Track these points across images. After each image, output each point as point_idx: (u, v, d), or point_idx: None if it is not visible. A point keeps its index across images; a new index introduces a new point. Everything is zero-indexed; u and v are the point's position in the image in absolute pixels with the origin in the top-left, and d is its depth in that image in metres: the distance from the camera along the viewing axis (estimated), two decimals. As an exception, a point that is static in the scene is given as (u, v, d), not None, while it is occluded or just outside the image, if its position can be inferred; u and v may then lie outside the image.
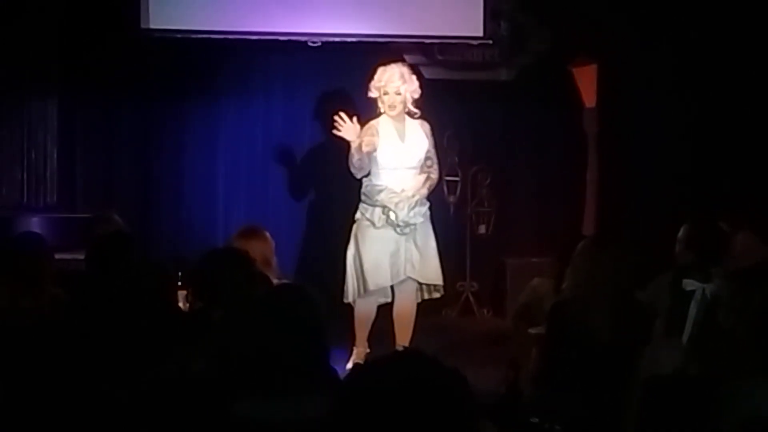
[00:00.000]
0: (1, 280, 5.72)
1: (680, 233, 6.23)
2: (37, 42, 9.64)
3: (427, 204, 8.22)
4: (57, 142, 9.93)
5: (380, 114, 8.18)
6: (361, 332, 8.09)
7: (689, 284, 4.68)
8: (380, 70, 8.21)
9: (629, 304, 5.18)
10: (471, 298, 10.17)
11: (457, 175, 10.24)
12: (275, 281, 5.59)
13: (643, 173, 10.12)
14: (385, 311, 8.27)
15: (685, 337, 4.60)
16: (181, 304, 5.41)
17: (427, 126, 8.25)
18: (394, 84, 8.11)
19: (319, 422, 3.17)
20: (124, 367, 4.01)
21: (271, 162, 10.28)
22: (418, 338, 8.31)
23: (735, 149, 9.90)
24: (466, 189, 10.26)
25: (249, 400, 3.31)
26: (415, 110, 8.19)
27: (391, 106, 8.09)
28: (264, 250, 6.07)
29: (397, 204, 7.99)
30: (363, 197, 8.15)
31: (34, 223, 8.84)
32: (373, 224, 8.03)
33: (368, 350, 8.08)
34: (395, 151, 8.08)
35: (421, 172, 8.17)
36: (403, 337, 8.03)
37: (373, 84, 8.18)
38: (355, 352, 8.08)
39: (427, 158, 8.19)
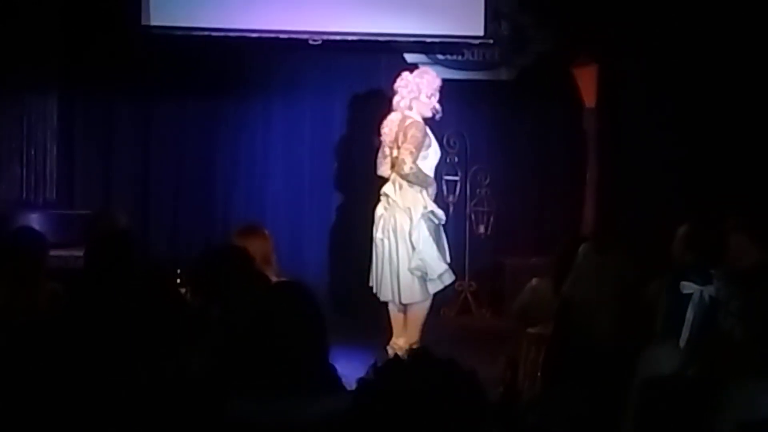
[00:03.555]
0: (-1, 276, 5.72)
1: (679, 233, 6.23)
2: (37, 38, 9.63)
3: None
4: (56, 139, 9.93)
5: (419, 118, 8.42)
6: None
7: (687, 287, 4.68)
8: (437, 79, 8.52)
9: (633, 306, 5.18)
10: (469, 298, 10.17)
11: (456, 175, 10.24)
12: (275, 279, 5.58)
13: (643, 173, 10.12)
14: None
15: (682, 340, 4.60)
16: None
17: None
18: None
19: (319, 423, 3.16)
20: (122, 365, 4.00)
21: (271, 160, 10.28)
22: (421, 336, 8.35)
23: (734, 150, 9.89)
24: (465, 189, 10.26)
25: (247, 399, 3.30)
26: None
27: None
28: (263, 247, 6.05)
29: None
30: (426, 197, 8.31)
31: (33, 220, 8.83)
32: (439, 223, 8.38)
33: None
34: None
35: None
36: (413, 334, 8.22)
37: (434, 92, 8.48)
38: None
39: None
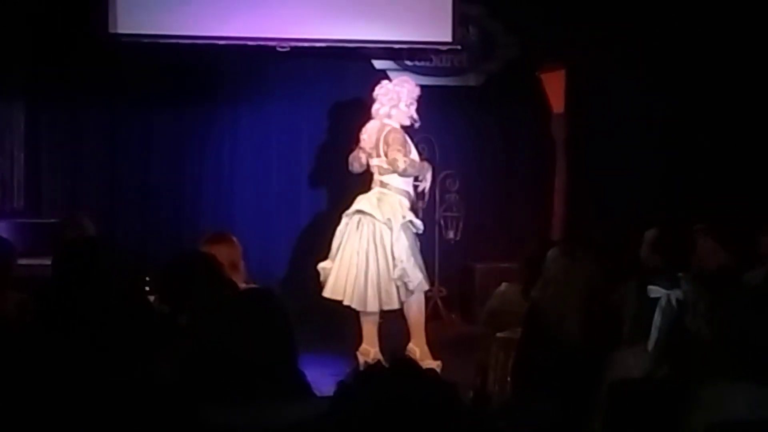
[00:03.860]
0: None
1: (647, 237, 6.26)
2: (3, 46, 9.58)
3: None
4: (23, 147, 9.88)
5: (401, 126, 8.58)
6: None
7: (654, 291, 4.69)
8: (416, 88, 8.66)
9: (601, 310, 5.20)
10: (439, 303, 10.17)
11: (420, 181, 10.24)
12: (243, 286, 5.57)
13: (611, 178, 10.16)
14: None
15: (650, 344, 4.61)
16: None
17: None
18: None
19: (288, 430, 3.16)
20: (91, 374, 3.98)
21: (239, 166, 10.27)
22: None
23: (701, 155, 9.95)
24: (434, 194, 10.26)
25: (216, 407, 3.29)
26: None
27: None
28: (231, 254, 6.05)
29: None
30: (405, 202, 8.46)
31: (0, 229, 8.78)
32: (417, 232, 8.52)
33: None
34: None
35: None
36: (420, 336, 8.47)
37: (413, 101, 8.60)
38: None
39: None
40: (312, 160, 10.33)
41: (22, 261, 6.43)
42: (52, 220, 8.88)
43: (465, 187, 10.42)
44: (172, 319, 4.72)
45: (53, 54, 9.71)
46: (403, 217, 8.31)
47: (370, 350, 8.29)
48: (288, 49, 9.75)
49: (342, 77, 10.35)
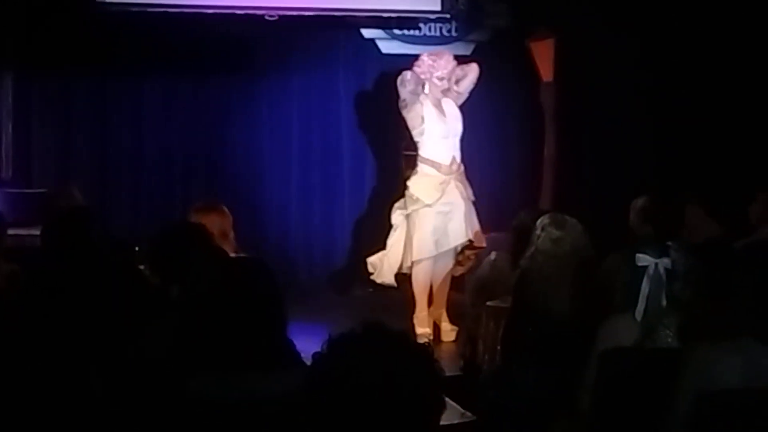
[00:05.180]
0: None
1: (636, 206, 6.27)
2: (-9, 16, 9.55)
3: None
4: (12, 117, 9.85)
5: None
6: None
7: (642, 259, 4.71)
8: (450, 62, 8.89)
9: (590, 279, 5.22)
10: (429, 273, 10.16)
11: (415, 150, 10.22)
12: (233, 255, 5.57)
13: (600, 147, 10.16)
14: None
15: (638, 313, 4.63)
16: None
17: None
18: None
19: (278, 398, 3.17)
20: (81, 345, 3.99)
21: (229, 136, 10.25)
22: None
23: (691, 125, 9.95)
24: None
25: (207, 377, 3.30)
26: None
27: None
28: (222, 224, 6.04)
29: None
30: (426, 179, 8.85)
31: (-10, 199, 8.78)
32: None
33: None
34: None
35: None
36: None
37: (447, 75, 8.85)
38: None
39: None
40: (302, 129, 10.32)
41: (12, 231, 6.44)
42: (42, 191, 8.89)
43: (454, 156, 10.40)
44: (163, 289, 4.73)
45: (42, 23, 9.65)
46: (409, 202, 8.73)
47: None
48: (276, 18, 9.70)
49: (331, 46, 10.33)
